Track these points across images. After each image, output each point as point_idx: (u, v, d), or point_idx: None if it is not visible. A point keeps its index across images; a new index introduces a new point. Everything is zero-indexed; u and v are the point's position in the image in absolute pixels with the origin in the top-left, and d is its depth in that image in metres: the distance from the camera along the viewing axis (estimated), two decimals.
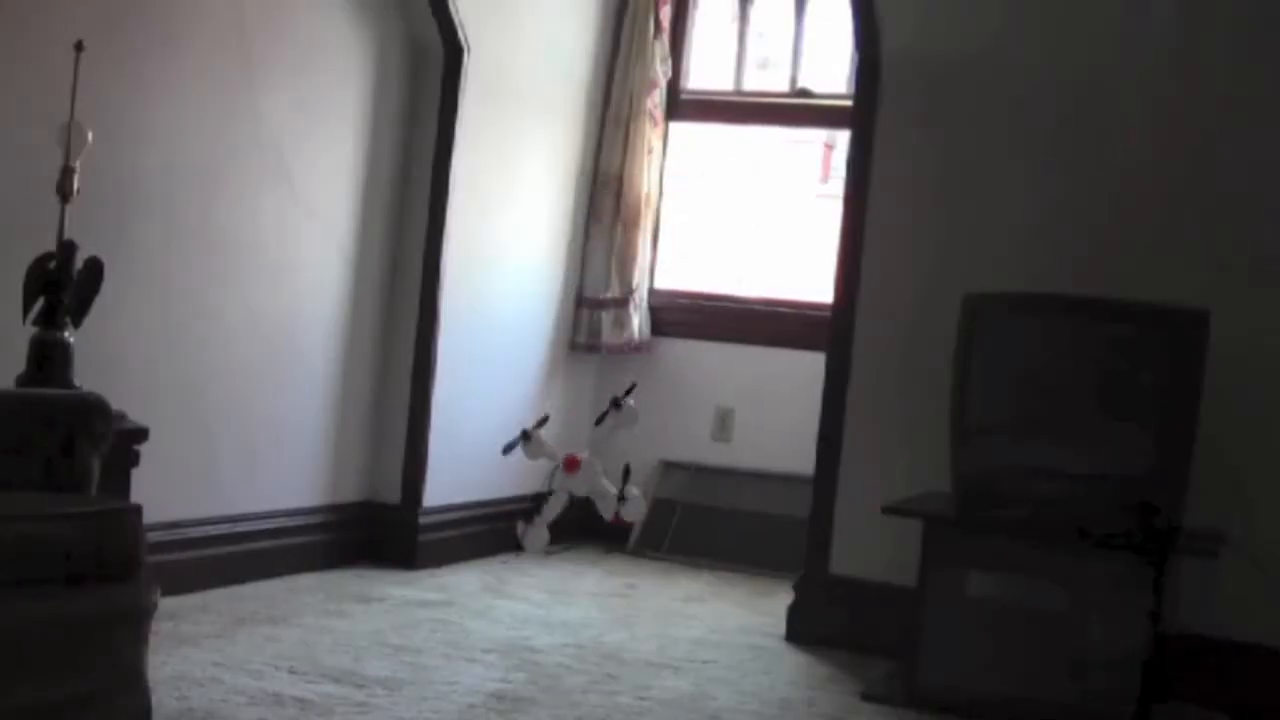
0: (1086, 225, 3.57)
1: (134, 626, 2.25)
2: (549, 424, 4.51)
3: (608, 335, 4.95)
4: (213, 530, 3.75)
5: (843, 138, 4.16)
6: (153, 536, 2.43)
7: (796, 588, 3.87)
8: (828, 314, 3.93)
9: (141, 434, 2.87)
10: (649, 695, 3.15)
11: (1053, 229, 3.61)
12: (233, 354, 3.80)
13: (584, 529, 4.90)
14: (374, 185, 4.23)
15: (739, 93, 5.12)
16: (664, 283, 5.12)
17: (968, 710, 3.16)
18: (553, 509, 4.42)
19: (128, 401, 2.82)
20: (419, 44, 4.30)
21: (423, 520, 4.33)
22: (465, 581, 4.17)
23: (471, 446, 4.48)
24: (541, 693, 3.09)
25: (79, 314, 2.90)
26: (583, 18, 4.91)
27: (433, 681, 3.10)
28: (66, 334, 2.87)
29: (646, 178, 4.96)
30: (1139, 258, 3.50)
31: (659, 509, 4.96)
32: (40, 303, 2.86)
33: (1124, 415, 3.30)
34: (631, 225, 4.94)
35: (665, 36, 4.97)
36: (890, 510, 3.35)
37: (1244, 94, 3.46)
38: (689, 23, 5.16)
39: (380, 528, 4.31)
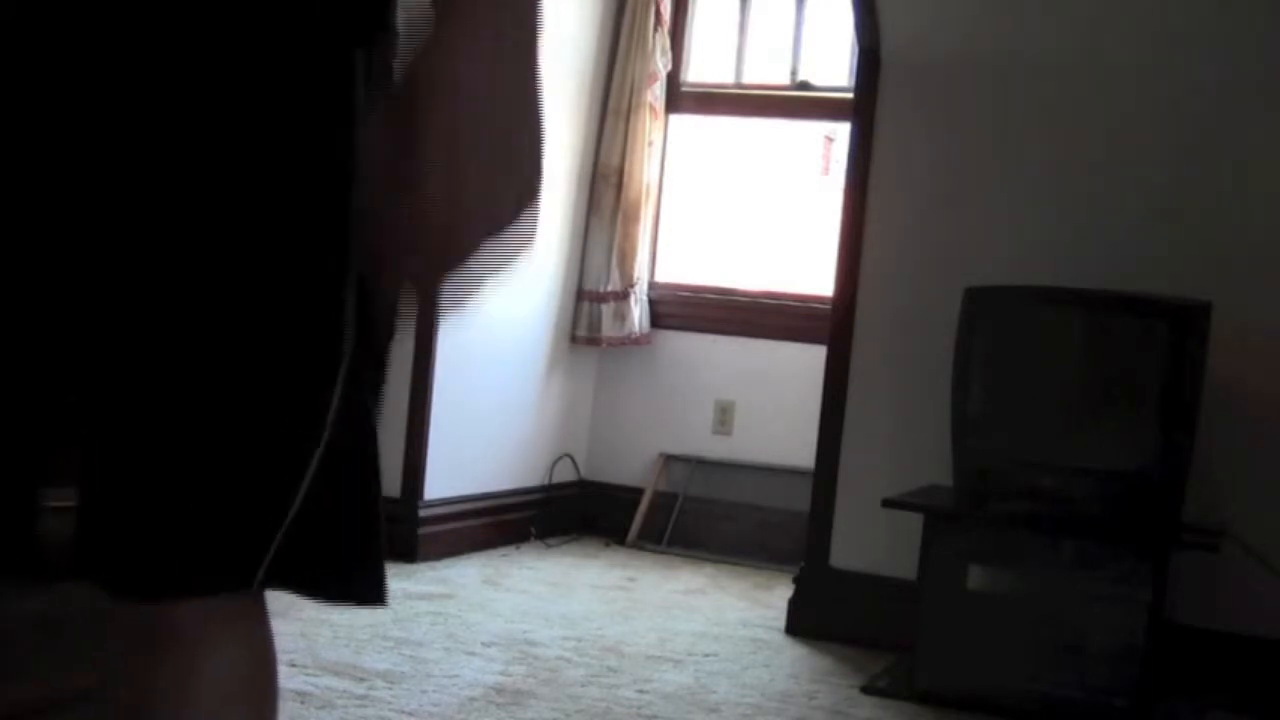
0: (1088, 218, 3.57)
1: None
2: (548, 416, 4.49)
3: (608, 328, 4.94)
4: None
5: (843, 130, 4.15)
6: None
7: (797, 581, 3.87)
8: (828, 307, 3.93)
9: None
10: (649, 688, 3.15)
11: (1054, 221, 3.61)
12: None
13: (584, 522, 4.92)
14: None
15: (739, 85, 5.11)
16: (664, 276, 5.11)
17: (968, 703, 3.16)
18: None
19: None
20: None
21: (422, 513, 4.32)
22: (465, 574, 4.17)
23: (471, 439, 4.48)
24: (541, 685, 3.09)
25: None
26: (582, 10, 4.90)
27: (433, 674, 3.10)
28: None
29: (647, 170, 4.95)
30: (1141, 251, 3.49)
31: (659, 502, 4.96)
32: None
33: (1125, 408, 3.30)
34: (632, 218, 4.93)
35: (665, 28, 4.95)
36: (891, 504, 3.35)
37: (1247, 87, 3.45)
38: (689, 15, 5.14)
39: None
